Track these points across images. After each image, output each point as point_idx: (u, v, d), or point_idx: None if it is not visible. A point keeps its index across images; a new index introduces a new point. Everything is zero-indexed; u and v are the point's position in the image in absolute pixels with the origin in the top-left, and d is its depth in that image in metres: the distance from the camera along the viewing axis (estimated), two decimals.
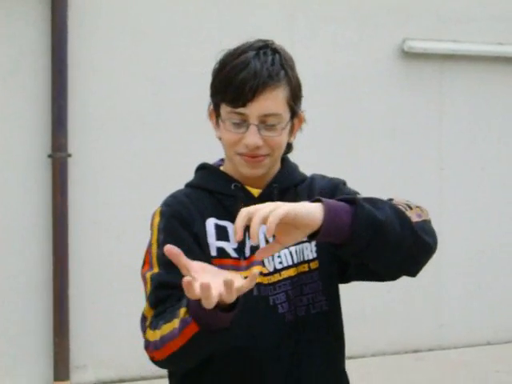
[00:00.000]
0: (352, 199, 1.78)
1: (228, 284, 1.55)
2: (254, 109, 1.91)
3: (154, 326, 1.83)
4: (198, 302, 1.61)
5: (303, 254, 2.01)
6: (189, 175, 2.16)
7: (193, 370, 1.98)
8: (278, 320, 1.97)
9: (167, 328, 1.77)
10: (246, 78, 1.91)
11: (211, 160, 2.16)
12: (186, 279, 1.55)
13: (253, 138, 1.92)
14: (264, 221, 1.65)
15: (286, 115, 1.97)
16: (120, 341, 5.65)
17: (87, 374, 5.61)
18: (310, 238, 1.77)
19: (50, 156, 5.45)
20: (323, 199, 1.75)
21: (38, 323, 5.50)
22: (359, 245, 1.76)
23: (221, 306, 1.63)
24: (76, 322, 5.54)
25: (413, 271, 1.94)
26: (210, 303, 1.56)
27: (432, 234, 1.91)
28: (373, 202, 1.81)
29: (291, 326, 1.98)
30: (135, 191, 5.66)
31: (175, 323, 1.74)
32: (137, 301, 5.53)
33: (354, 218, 1.74)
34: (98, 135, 5.61)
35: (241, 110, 1.92)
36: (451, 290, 6.58)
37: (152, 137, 5.72)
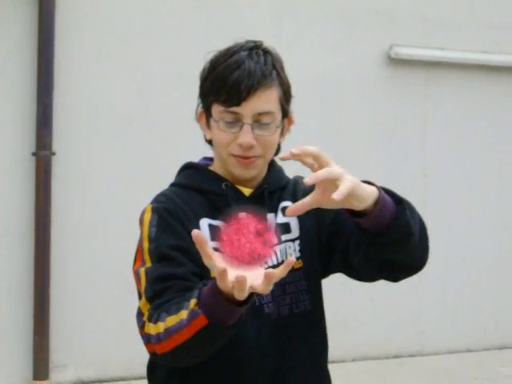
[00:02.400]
0: (400, 199, 1.81)
1: (269, 276, 1.53)
2: (248, 108, 1.92)
3: (156, 319, 1.79)
4: (211, 294, 1.60)
5: (286, 253, 2.02)
6: (175, 174, 2.15)
7: (175, 372, 1.98)
8: (263, 320, 1.97)
9: (173, 320, 1.74)
10: (241, 77, 1.92)
11: (196, 159, 2.16)
12: (220, 267, 1.53)
13: (247, 137, 1.93)
14: (335, 181, 1.65)
15: (279, 115, 1.99)
16: (101, 341, 5.64)
17: (67, 373, 5.59)
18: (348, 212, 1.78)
19: (34, 154, 5.43)
20: (379, 188, 1.77)
21: (18, 322, 5.47)
22: (384, 240, 1.79)
23: (231, 300, 1.61)
24: (56, 322, 5.52)
25: (399, 279, 1.98)
26: (243, 295, 1.54)
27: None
28: (411, 210, 1.84)
29: (276, 326, 1.99)
30: (120, 190, 5.65)
31: (182, 315, 1.71)
32: (119, 301, 5.56)
33: (395, 219, 1.77)
34: (83, 134, 5.59)
35: (235, 109, 1.93)
36: (432, 296, 6.60)
37: (137, 136, 5.71)
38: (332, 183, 1.66)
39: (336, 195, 1.61)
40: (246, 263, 1.57)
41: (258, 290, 1.55)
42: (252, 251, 1.57)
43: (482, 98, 6.75)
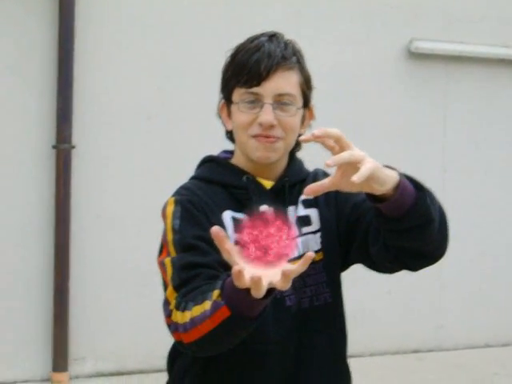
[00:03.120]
0: (420, 186, 1.80)
1: (286, 272, 1.52)
2: (269, 88, 1.93)
3: (184, 307, 1.78)
4: (233, 286, 1.59)
5: (308, 245, 2.02)
6: (193, 168, 2.15)
7: (196, 363, 1.99)
8: (285, 313, 1.98)
9: (198, 310, 1.73)
10: (261, 58, 1.93)
11: (215, 154, 2.16)
12: (236, 268, 1.51)
13: (267, 115, 1.93)
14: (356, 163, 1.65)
15: (300, 99, 2.00)
16: (119, 334, 5.66)
17: (86, 366, 5.62)
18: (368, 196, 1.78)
19: (54, 147, 5.45)
20: (400, 172, 1.77)
21: (37, 314, 5.50)
22: (404, 225, 1.78)
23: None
24: (75, 314, 5.54)
25: (417, 268, 1.96)
26: (260, 294, 1.53)
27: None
28: (431, 197, 1.83)
29: (296, 318, 1.99)
30: (139, 184, 5.66)
31: (206, 305, 1.71)
32: (137, 294, 5.58)
33: (415, 204, 1.76)
34: (103, 128, 5.61)
35: (255, 89, 1.94)
36: (452, 291, 6.58)
37: (157, 130, 5.72)
38: (352, 166, 1.65)
39: (356, 177, 1.61)
40: (269, 264, 1.57)
41: (277, 287, 1.54)
42: (274, 252, 1.57)
43: (502, 92, 6.71)
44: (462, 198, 6.56)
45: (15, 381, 5.45)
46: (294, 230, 1.61)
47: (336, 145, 1.70)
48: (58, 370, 5.47)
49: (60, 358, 5.48)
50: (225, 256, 1.58)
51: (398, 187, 1.73)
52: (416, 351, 6.47)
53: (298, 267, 1.54)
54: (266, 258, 1.56)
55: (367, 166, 1.64)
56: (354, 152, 1.67)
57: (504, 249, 6.73)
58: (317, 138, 1.69)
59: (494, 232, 6.70)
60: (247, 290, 1.56)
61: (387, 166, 1.75)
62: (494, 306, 6.71)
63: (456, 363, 6.23)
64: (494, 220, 6.69)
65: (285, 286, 1.54)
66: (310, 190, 1.71)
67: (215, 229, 1.57)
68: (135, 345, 5.70)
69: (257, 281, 1.50)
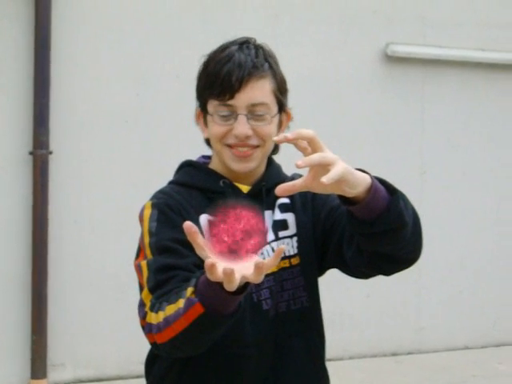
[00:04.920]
0: (393, 189, 1.79)
1: (259, 265, 1.52)
2: (242, 99, 1.93)
3: (158, 308, 1.78)
4: (207, 282, 1.59)
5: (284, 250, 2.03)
6: (172, 173, 2.15)
7: (173, 368, 1.99)
8: (262, 317, 1.98)
9: (172, 308, 1.73)
10: (232, 69, 1.93)
11: (194, 159, 2.16)
12: (208, 261, 1.52)
13: (242, 127, 1.94)
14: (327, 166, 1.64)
15: (274, 106, 1.99)
16: (98, 340, 5.63)
17: (65, 372, 5.59)
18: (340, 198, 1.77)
19: (31, 153, 5.43)
20: (372, 176, 1.76)
21: (15, 321, 5.47)
22: (376, 229, 1.77)
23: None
24: (54, 320, 5.52)
25: (390, 272, 1.96)
26: (232, 286, 1.53)
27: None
28: (405, 201, 1.82)
29: (274, 322, 1.99)
30: (117, 189, 5.65)
31: (180, 303, 1.71)
32: (116, 300, 5.56)
33: (387, 208, 1.75)
34: (80, 133, 5.59)
35: (228, 102, 1.94)
36: (431, 294, 6.60)
37: (134, 135, 5.71)
38: (324, 168, 1.65)
39: (325, 179, 1.60)
40: (240, 259, 1.57)
41: (250, 280, 1.54)
42: (245, 246, 1.57)
43: (479, 95, 6.75)
44: (441, 199, 6.59)
45: None
46: (266, 225, 1.61)
47: (308, 147, 1.70)
48: (36, 377, 5.43)
49: (39, 364, 5.45)
50: (197, 251, 1.58)
51: (370, 190, 1.73)
52: (395, 354, 6.49)
53: (270, 261, 1.55)
54: (237, 253, 1.56)
55: (337, 169, 1.63)
56: (325, 154, 1.66)
57: (483, 251, 6.76)
58: (289, 141, 1.69)
59: (473, 234, 6.72)
60: (221, 286, 1.56)
61: (360, 170, 1.75)
62: (473, 309, 6.74)
63: (435, 366, 6.25)
64: (473, 222, 6.72)
65: (257, 279, 1.54)
66: (282, 190, 1.70)
67: (187, 224, 1.57)
68: (114, 351, 5.68)
69: (229, 273, 1.50)
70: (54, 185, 5.51)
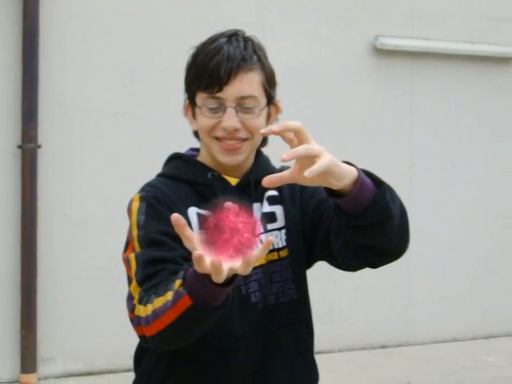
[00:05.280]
0: (380, 182, 1.79)
1: (246, 258, 1.52)
2: (230, 92, 1.93)
3: (146, 301, 1.78)
4: (195, 274, 1.59)
5: (273, 242, 2.02)
6: (160, 166, 2.15)
7: (162, 361, 1.99)
8: (250, 309, 1.98)
9: (160, 301, 1.73)
10: (220, 61, 1.93)
11: (182, 151, 2.16)
12: (196, 253, 1.51)
13: (231, 120, 1.94)
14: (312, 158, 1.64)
15: (263, 99, 1.99)
16: (88, 333, 5.63)
17: (55, 366, 5.58)
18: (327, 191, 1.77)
19: (19, 147, 5.41)
20: (358, 168, 1.76)
21: (4, 315, 5.46)
22: (362, 222, 1.77)
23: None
24: (44, 315, 5.51)
25: (377, 265, 1.96)
26: (220, 278, 1.53)
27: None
28: (392, 193, 1.82)
29: (262, 315, 2.00)
30: (106, 183, 5.64)
31: (168, 295, 1.70)
32: (106, 294, 5.55)
33: (374, 200, 1.75)
34: (69, 127, 5.57)
35: (217, 94, 1.93)
36: (420, 286, 6.62)
37: (123, 129, 5.69)
38: (310, 160, 1.64)
39: (308, 172, 1.59)
40: (230, 256, 1.57)
41: (238, 272, 1.54)
42: (235, 245, 1.57)
43: (468, 88, 6.76)
44: (430, 192, 6.60)
45: None
46: (258, 223, 1.60)
47: (295, 138, 1.69)
48: (26, 371, 5.42)
49: (29, 358, 5.44)
50: (185, 243, 1.58)
51: (357, 183, 1.73)
52: (384, 346, 6.50)
53: (258, 253, 1.55)
54: (229, 250, 1.56)
55: (321, 161, 1.62)
56: (310, 146, 1.66)
57: (472, 243, 6.78)
58: (276, 133, 1.68)
59: (461, 226, 6.74)
60: (209, 278, 1.56)
61: (346, 162, 1.75)
62: (462, 301, 6.76)
63: (424, 358, 6.27)
64: (462, 214, 6.74)
65: (245, 271, 1.53)
66: (268, 181, 1.70)
67: (175, 216, 1.56)
68: (104, 345, 5.67)
69: (217, 265, 1.50)
70: (43, 178, 5.49)
